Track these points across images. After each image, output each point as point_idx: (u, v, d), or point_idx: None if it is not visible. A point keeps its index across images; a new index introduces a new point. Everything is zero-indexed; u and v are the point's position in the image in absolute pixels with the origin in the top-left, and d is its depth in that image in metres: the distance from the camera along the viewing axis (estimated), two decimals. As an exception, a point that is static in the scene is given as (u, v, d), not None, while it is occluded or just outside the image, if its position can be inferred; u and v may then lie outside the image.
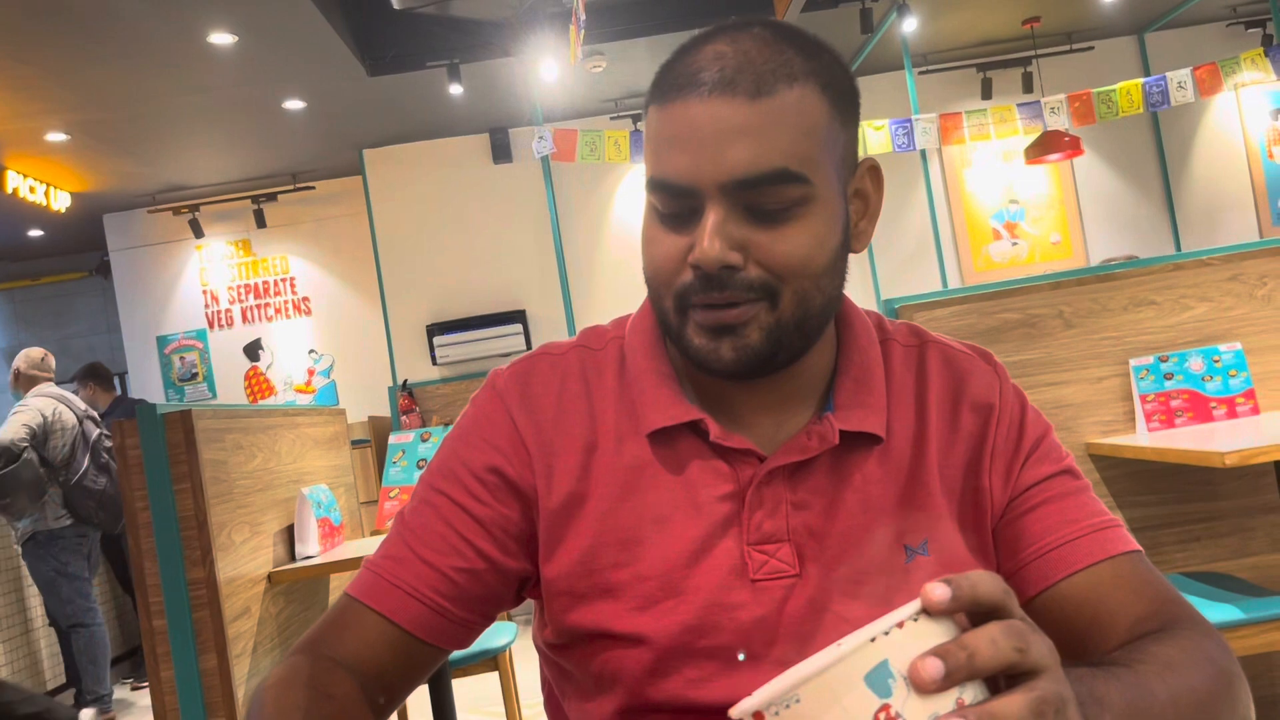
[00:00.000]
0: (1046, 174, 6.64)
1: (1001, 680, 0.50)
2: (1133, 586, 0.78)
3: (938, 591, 0.49)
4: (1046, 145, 5.71)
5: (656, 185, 0.76)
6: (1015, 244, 6.65)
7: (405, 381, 5.92)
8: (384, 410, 6.37)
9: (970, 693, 0.48)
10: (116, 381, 6.95)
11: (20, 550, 4.49)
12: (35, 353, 4.69)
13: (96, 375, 5.22)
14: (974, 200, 6.67)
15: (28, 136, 5.67)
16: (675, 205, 0.76)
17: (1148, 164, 6.76)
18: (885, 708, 0.46)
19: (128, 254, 7.33)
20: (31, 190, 6.31)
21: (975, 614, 0.51)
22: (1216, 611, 2.04)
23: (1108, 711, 0.58)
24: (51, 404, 4.50)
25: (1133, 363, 2.61)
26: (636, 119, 6.42)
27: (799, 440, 0.81)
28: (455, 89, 5.41)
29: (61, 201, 6.65)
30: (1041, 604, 0.81)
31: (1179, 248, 6.65)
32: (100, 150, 6.07)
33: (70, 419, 4.52)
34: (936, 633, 0.49)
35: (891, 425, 0.84)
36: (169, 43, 4.70)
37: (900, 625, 0.48)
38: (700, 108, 0.73)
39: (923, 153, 5.71)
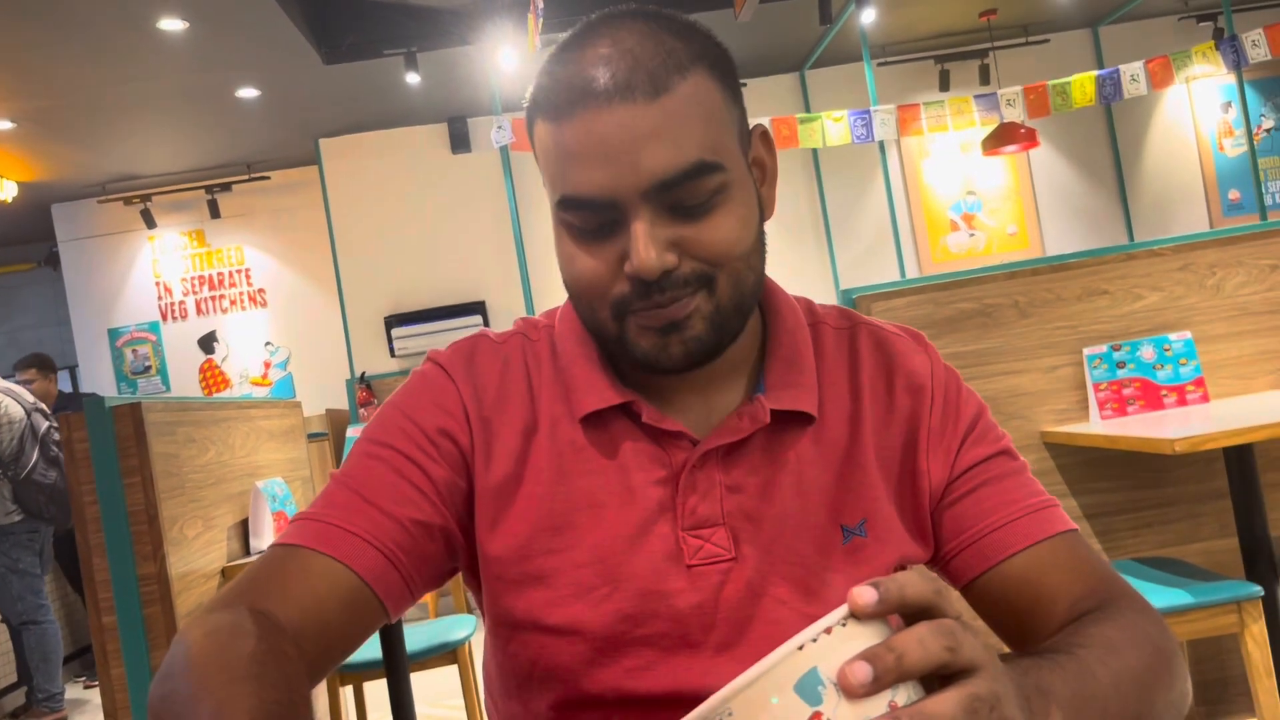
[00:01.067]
0: (1003, 166, 6.71)
1: (936, 682, 0.49)
2: (1071, 566, 0.79)
3: (864, 595, 0.48)
4: (1003, 137, 5.76)
5: (572, 204, 0.74)
6: (973, 235, 6.71)
7: (363, 374, 5.86)
8: (342, 403, 6.32)
9: (903, 695, 0.48)
10: (66, 375, 6.81)
11: None
12: None
13: (44, 365, 5.11)
14: (932, 192, 6.72)
15: (-29, 124, 5.54)
16: (595, 220, 0.74)
17: (1102, 156, 6.85)
18: (816, 715, 0.46)
19: (77, 245, 7.19)
20: (-24, 179, 6.17)
21: (908, 614, 0.51)
22: (1167, 596, 2.07)
23: (1053, 702, 0.58)
24: (3, 397, 4.41)
25: (1086, 352, 2.64)
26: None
27: (730, 422, 0.80)
28: (413, 78, 5.36)
29: (8, 191, 6.50)
30: (983, 585, 0.81)
31: (1132, 238, 6.76)
32: (48, 139, 5.94)
33: (18, 412, 4.44)
34: (866, 637, 0.48)
35: (825, 406, 0.83)
36: (118, 28, 4.60)
37: (828, 631, 0.47)
38: (603, 118, 0.71)
39: (881, 144, 5.74)
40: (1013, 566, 0.80)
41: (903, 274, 6.06)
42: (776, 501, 0.80)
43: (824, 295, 6.42)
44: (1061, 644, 0.68)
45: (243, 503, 2.84)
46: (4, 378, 4.69)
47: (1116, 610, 0.74)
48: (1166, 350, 2.64)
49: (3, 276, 8.34)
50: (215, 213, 7.02)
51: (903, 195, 6.68)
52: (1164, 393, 2.62)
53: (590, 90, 0.72)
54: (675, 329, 0.75)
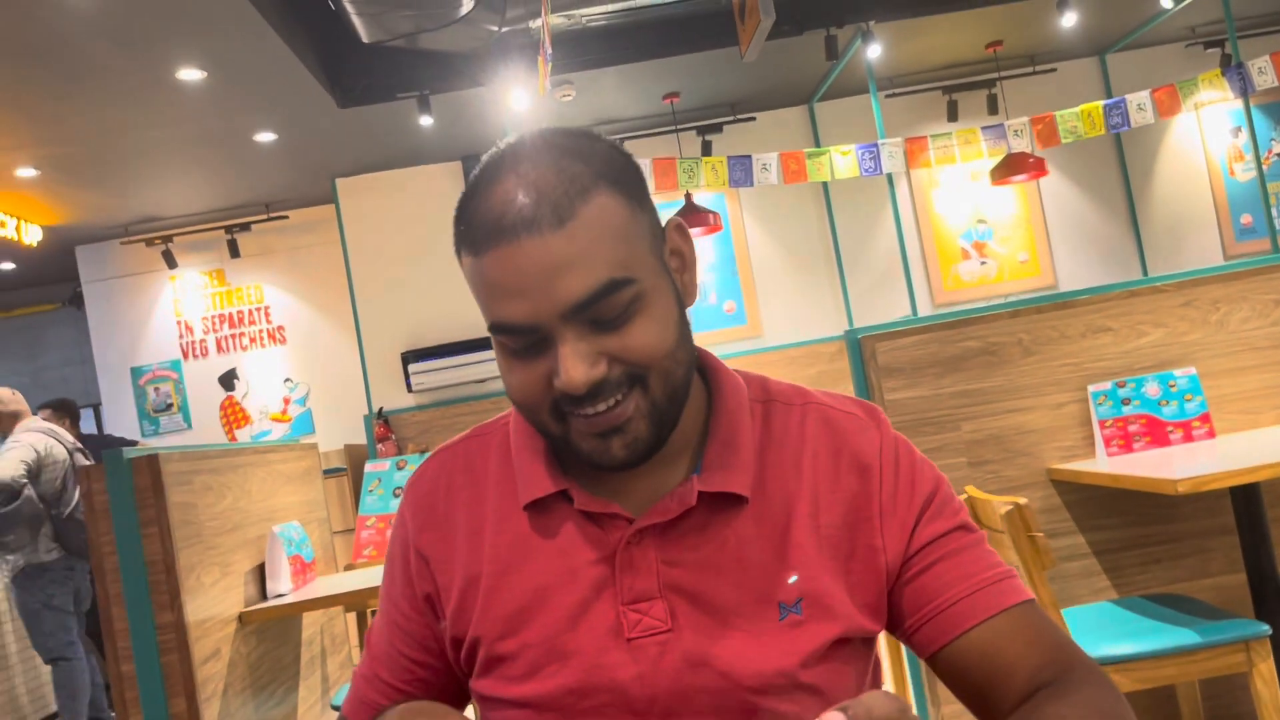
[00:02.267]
0: (1013, 194, 6.73)
1: None
2: (1027, 638, 0.83)
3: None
4: (1011, 166, 5.79)
5: (501, 330, 0.80)
6: (984, 263, 6.72)
7: (381, 409, 5.91)
8: (360, 438, 6.36)
9: None
10: (90, 414, 6.91)
11: (9, 582, 4.48)
12: (4, 391, 4.70)
13: (59, 408, 5.19)
14: (942, 221, 6.75)
15: (-3, 172, 5.66)
16: (523, 342, 0.80)
17: (1112, 183, 6.86)
18: None
19: (100, 285, 7.30)
20: (2, 225, 6.29)
21: None
22: (1175, 636, 2.08)
23: None
24: (43, 439, 4.54)
25: (1091, 389, 2.66)
26: (608, 145, 6.46)
27: (663, 503, 0.84)
28: (426, 119, 5.44)
29: (33, 235, 6.62)
30: (944, 659, 0.84)
31: (1144, 266, 6.75)
32: (71, 184, 6.06)
33: (61, 453, 4.56)
34: None
35: (766, 485, 0.86)
36: (137, 79, 4.71)
37: None
38: (515, 252, 0.76)
39: (890, 176, 5.78)
40: (971, 640, 0.83)
41: (913, 304, 6.07)
42: (711, 576, 0.84)
43: (835, 327, 6.45)
44: None
45: (260, 547, 2.89)
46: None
47: (1072, 684, 0.77)
48: (1172, 386, 2.65)
49: (28, 317, 8.47)
50: (235, 252, 7.12)
51: (913, 225, 6.71)
52: (1170, 429, 2.63)
53: (500, 227, 0.77)
54: (616, 432, 0.80)
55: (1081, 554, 2.62)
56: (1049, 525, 2.60)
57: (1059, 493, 2.65)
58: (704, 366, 0.92)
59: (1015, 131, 5.50)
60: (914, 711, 0.56)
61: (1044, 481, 2.65)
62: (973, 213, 6.74)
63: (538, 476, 0.87)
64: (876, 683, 0.95)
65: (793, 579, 0.84)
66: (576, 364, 0.77)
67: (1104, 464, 2.54)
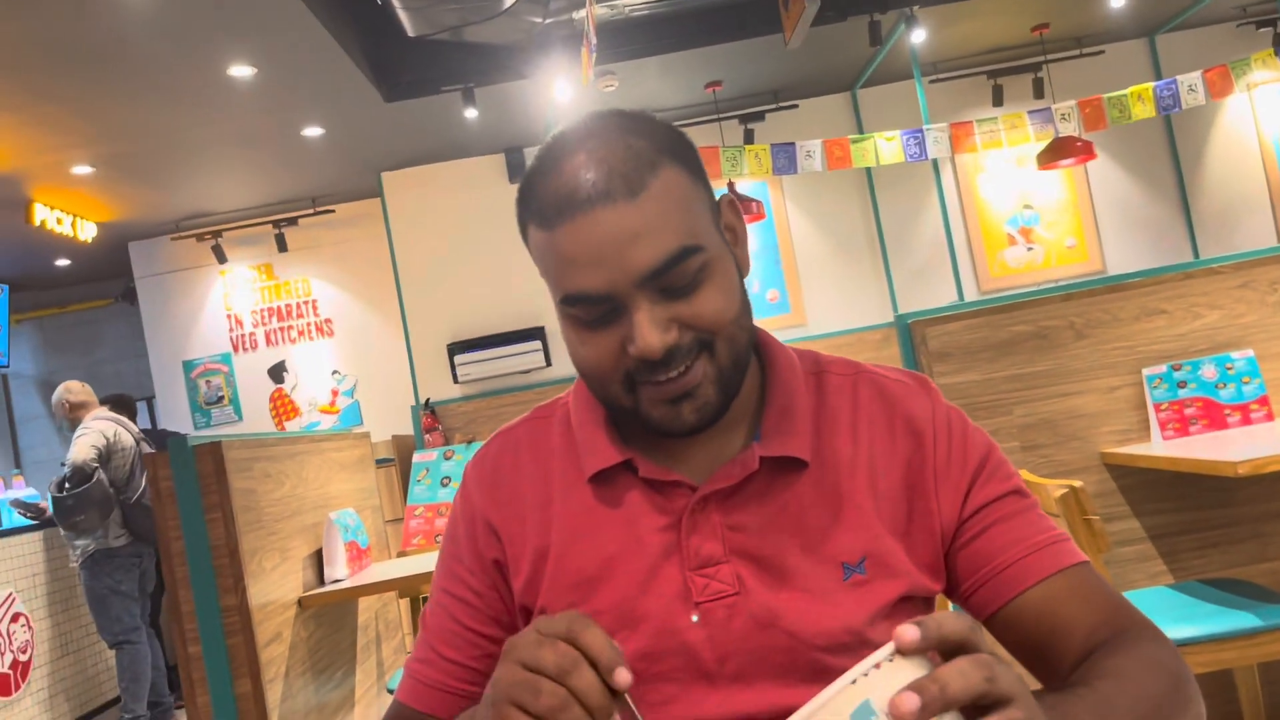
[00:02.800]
0: (1060, 178, 6.65)
1: (974, 712, 0.55)
2: (1084, 597, 0.84)
3: (909, 633, 0.54)
4: (1059, 150, 5.72)
5: (574, 300, 0.82)
6: (1031, 249, 6.65)
7: (428, 400, 5.98)
8: (407, 429, 6.44)
9: None
10: (143, 406, 7.06)
11: (79, 567, 4.61)
12: (75, 384, 4.85)
13: (126, 404, 5.33)
14: (988, 206, 6.68)
15: (54, 170, 5.79)
16: (596, 312, 0.82)
17: (1162, 166, 6.75)
18: None
19: (153, 280, 7.45)
20: (59, 222, 6.43)
21: (946, 650, 0.56)
22: (1233, 620, 2.06)
23: None
24: (111, 426, 4.69)
25: (1145, 372, 2.63)
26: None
27: (725, 469, 0.87)
28: (470, 112, 5.48)
29: (88, 232, 6.77)
30: (1002, 620, 0.86)
31: (1195, 250, 6.64)
32: (124, 181, 6.18)
33: (129, 440, 4.71)
34: (911, 670, 0.53)
35: (822, 450, 0.89)
36: (190, 76, 4.80)
37: (878, 666, 0.53)
38: (589, 223, 0.79)
39: (935, 161, 5.73)
40: (1028, 600, 0.84)
41: (960, 291, 6.02)
42: (776, 540, 0.86)
43: (880, 315, 6.41)
44: (1080, 678, 0.74)
45: (317, 534, 2.94)
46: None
47: (1130, 639, 0.79)
48: (1229, 369, 2.62)
49: (85, 312, 8.66)
50: (283, 246, 7.23)
51: (958, 210, 6.65)
52: (1227, 412, 2.60)
53: (573, 200, 0.80)
54: (687, 396, 0.83)
55: (1137, 538, 2.60)
56: (1103, 509, 2.59)
57: (1113, 476, 2.63)
58: (757, 341, 0.94)
59: (1062, 115, 5.43)
60: (984, 631, 0.58)
61: (1097, 465, 2.63)
62: (1019, 198, 6.67)
63: (601, 448, 0.90)
64: None
65: (853, 539, 0.86)
66: (652, 330, 0.79)
67: (1159, 447, 2.51)
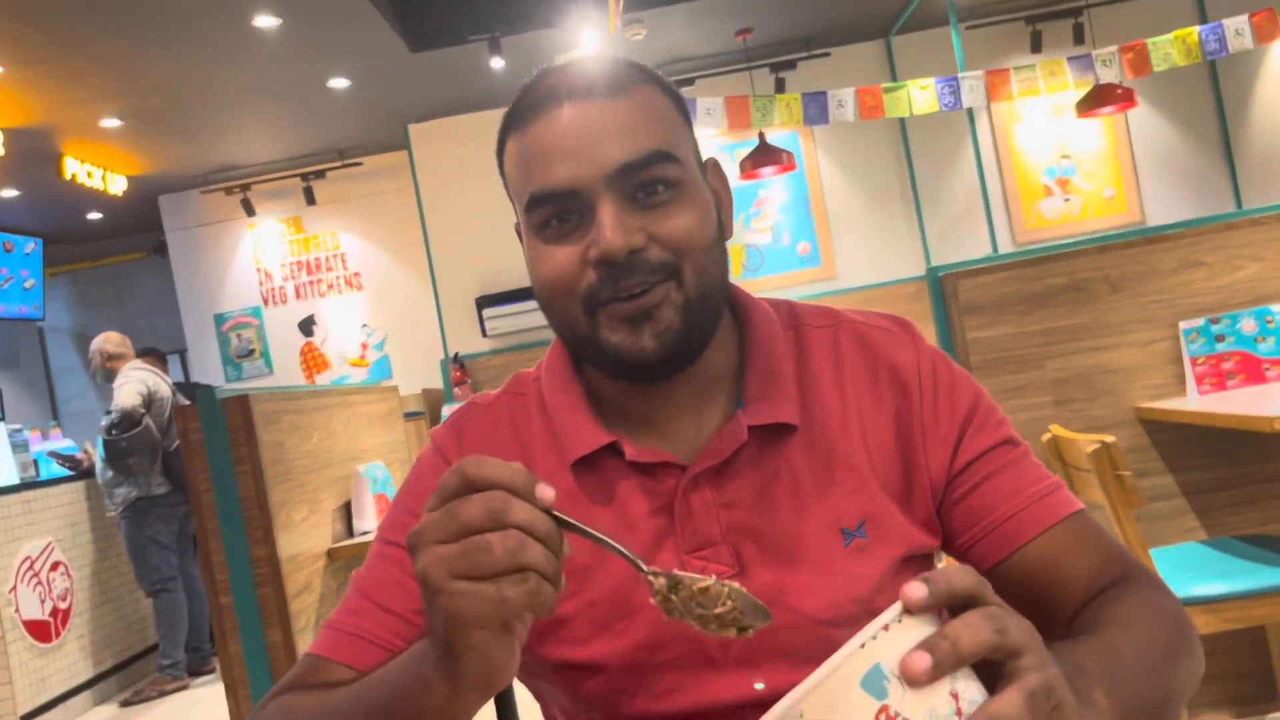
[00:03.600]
0: (1100, 127, 6.50)
1: (987, 668, 0.53)
2: (1082, 547, 0.82)
3: (916, 591, 0.52)
4: (1098, 99, 5.58)
5: (540, 199, 0.78)
6: (1068, 200, 6.53)
7: (457, 354, 6.00)
8: (437, 383, 6.47)
9: (962, 683, 0.51)
10: (175, 359, 7.13)
11: (118, 517, 4.70)
12: (115, 335, 4.92)
13: (159, 356, 5.39)
14: (1024, 156, 6.55)
15: (83, 123, 5.80)
16: (559, 210, 0.78)
17: (1206, 114, 6.58)
18: (884, 709, 0.49)
19: (183, 234, 7.49)
20: (89, 175, 6.47)
21: (955, 607, 0.54)
22: (1268, 576, 2.02)
23: (1090, 679, 0.62)
24: (150, 376, 4.79)
25: (1182, 325, 2.58)
26: (679, 85, 6.38)
27: (712, 445, 0.82)
28: (496, 62, 5.43)
29: (118, 185, 6.80)
30: (1000, 574, 0.84)
31: (1239, 200, 6.48)
32: (153, 134, 6.19)
33: (166, 390, 4.80)
34: (920, 630, 0.51)
35: (810, 411, 0.85)
36: (215, 27, 4.77)
37: (886, 628, 0.51)
38: (566, 115, 0.77)
39: (970, 110, 5.61)
40: (1026, 554, 0.82)
41: (994, 243, 5.93)
42: (772, 512, 0.82)
43: (912, 269, 6.33)
44: (1084, 626, 0.73)
45: (345, 486, 2.97)
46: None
47: (1130, 587, 0.78)
48: (1269, 322, 2.55)
49: (117, 265, 8.74)
50: (311, 199, 7.23)
51: (993, 161, 6.53)
52: (1266, 366, 2.54)
53: (552, 97, 0.78)
54: (647, 318, 0.78)
55: (1170, 494, 2.56)
56: (1136, 465, 2.55)
57: (1147, 432, 2.58)
58: (732, 298, 0.90)
59: (1104, 61, 5.29)
60: (988, 587, 0.55)
61: (1131, 420, 2.59)
62: (1056, 148, 6.53)
63: (582, 431, 0.85)
64: None
65: (850, 502, 0.83)
66: (616, 229, 0.76)
67: (1195, 402, 2.47)
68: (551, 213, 0.78)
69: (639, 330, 0.78)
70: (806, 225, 6.63)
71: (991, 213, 6.13)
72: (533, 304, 6.55)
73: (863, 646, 0.50)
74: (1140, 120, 6.50)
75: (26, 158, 6.01)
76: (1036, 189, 6.54)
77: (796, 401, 0.84)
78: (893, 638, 0.50)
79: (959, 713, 0.50)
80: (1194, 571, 2.13)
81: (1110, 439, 1.97)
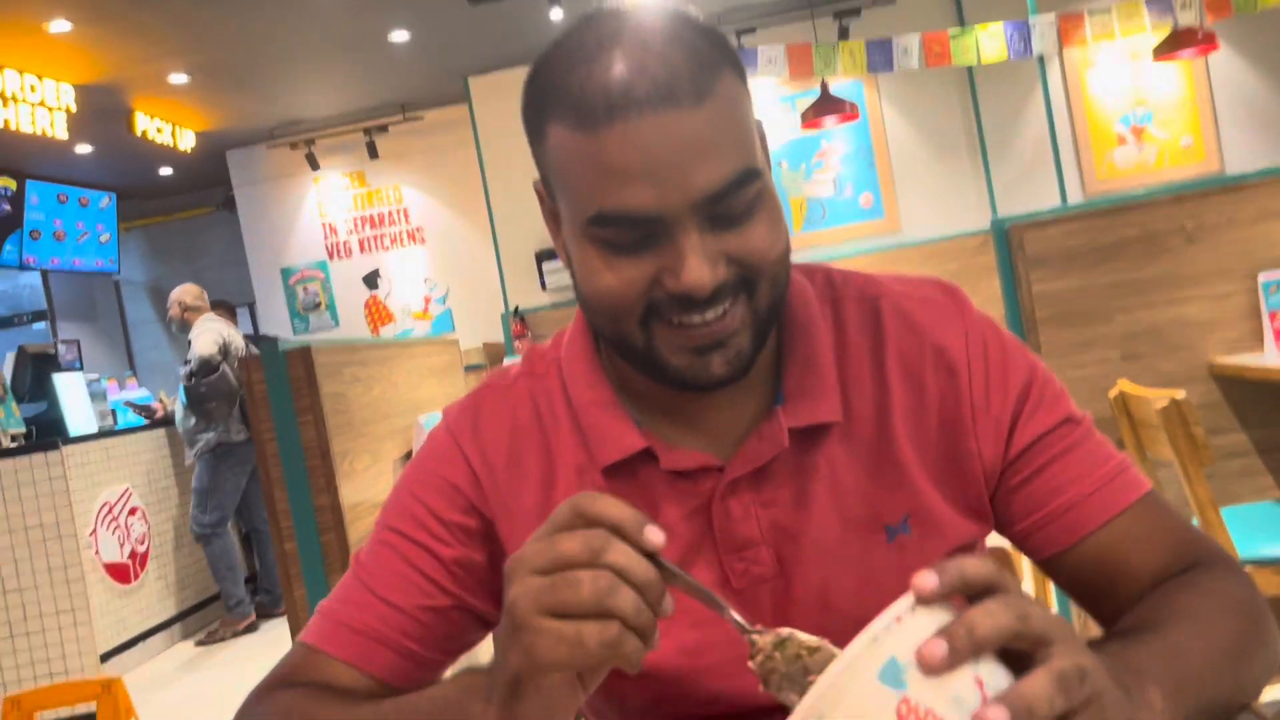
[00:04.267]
0: (1178, 72, 6.25)
1: (1015, 659, 0.50)
2: (1150, 535, 0.77)
3: (927, 580, 0.49)
4: (1177, 42, 5.35)
5: (613, 220, 0.69)
6: (1142, 149, 6.31)
7: (517, 308, 6.03)
8: (498, 336, 6.52)
9: (986, 670, 0.49)
10: (245, 312, 7.29)
11: (196, 459, 4.86)
12: (194, 288, 5.06)
13: (229, 309, 5.51)
14: (1097, 104, 6.33)
15: (152, 79, 5.90)
16: (632, 235, 0.70)
17: (1291, 58, 6.29)
18: (904, 700, 0.47)
19: (250, 189, 7.61)
20: (159, 131, 6.59)
21: (973, 596, 0.51)
22: (1344, 538, 1.96)
23: (1150, 681, 0.58)
24: (225, 327, 4.95)
25: (1262, 278, 2.49)
26: (739, 34, 6.28)
27: (751, 446, 0.77)
28: (555, 13, 5.38)
29: (187, 141, 6.92)
30: (1060, 564, 0.79)
31: (1326, 148, 6.21)
32: (219, 89, 6.28)
33: (239, 340, 4.93)
34: (935, 620, 0.49)
35: (850, 402, 0.79)
36: (277, -19, 4.80)
37: (899, 620, 0.49)
38: (648, 129, 0.66)
39: (1040, 57, 5.43)
40: (1090, 544, 0.77)
41: (1063, 195, 5.77)
42: (812, 511, 0.78)
43: (977, 222, 6.18)
44: (1147, 621, 0.68)
45: (407, 436, 3.01)
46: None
47: (1201, 574, 0.73)
48: (1354, 275, 2.45)
49: (187, 220, 8.92)
50: (374, 154, 7.29)
51: (1064, 108, 6.32)
52: (1349, 320, 2.44)
53: (630, 97, 0.66)
54: (718, 347, 0.72)
55: (1243, 452, 2.49)
56: (1208, 422, 2.47)
57: (1220, 388, 2.51)
58: None
59: (1182, 3, 5.07)
60: (1008, 575, 0.53)
61: (1204, 376, 2.51)
62: (1131, 94, 6.31)
63: (613, 434, 0.78)
64: None
65: (894, 497, 0.78)
66: (702, 264, 0.68)
67: (1273, 358, 2.38)
68: (621, 232, 0.69)
69: (708, 357, 0.72)
70: (869, 177, 6.51)
71: (1061, 163, 5.96)
72: (592, 257, 6.56)
73: (875, 640, 0.48)
74: (1221, 65, 6.24)
75: (98, 114, 6.13)
76: (1109, 138, 6.33)
77: (837, 394, 0.78)
78: (905, 629, 0.49)
79: (985, 700, 0.48)
80: (1265, 532, 2.08)
81: (1181, 395, 1.91)
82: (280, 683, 0.78)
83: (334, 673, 0.78)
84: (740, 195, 0.69)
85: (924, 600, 0.50)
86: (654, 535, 0.56)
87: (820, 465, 0.78)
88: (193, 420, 4.81)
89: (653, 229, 0.69)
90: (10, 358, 5.19)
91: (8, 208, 6.86)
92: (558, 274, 6.55)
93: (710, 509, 0.78)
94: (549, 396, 0.83)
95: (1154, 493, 0.79)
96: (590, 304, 0.74)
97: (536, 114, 0.73)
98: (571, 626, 0.55)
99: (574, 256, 0.75)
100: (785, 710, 0.53)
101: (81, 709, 2.23)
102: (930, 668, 0.47)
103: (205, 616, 5.27)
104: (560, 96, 0.69)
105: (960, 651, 0.48)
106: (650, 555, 0.58)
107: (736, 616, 0.60)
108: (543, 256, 6.62)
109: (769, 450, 0.77)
